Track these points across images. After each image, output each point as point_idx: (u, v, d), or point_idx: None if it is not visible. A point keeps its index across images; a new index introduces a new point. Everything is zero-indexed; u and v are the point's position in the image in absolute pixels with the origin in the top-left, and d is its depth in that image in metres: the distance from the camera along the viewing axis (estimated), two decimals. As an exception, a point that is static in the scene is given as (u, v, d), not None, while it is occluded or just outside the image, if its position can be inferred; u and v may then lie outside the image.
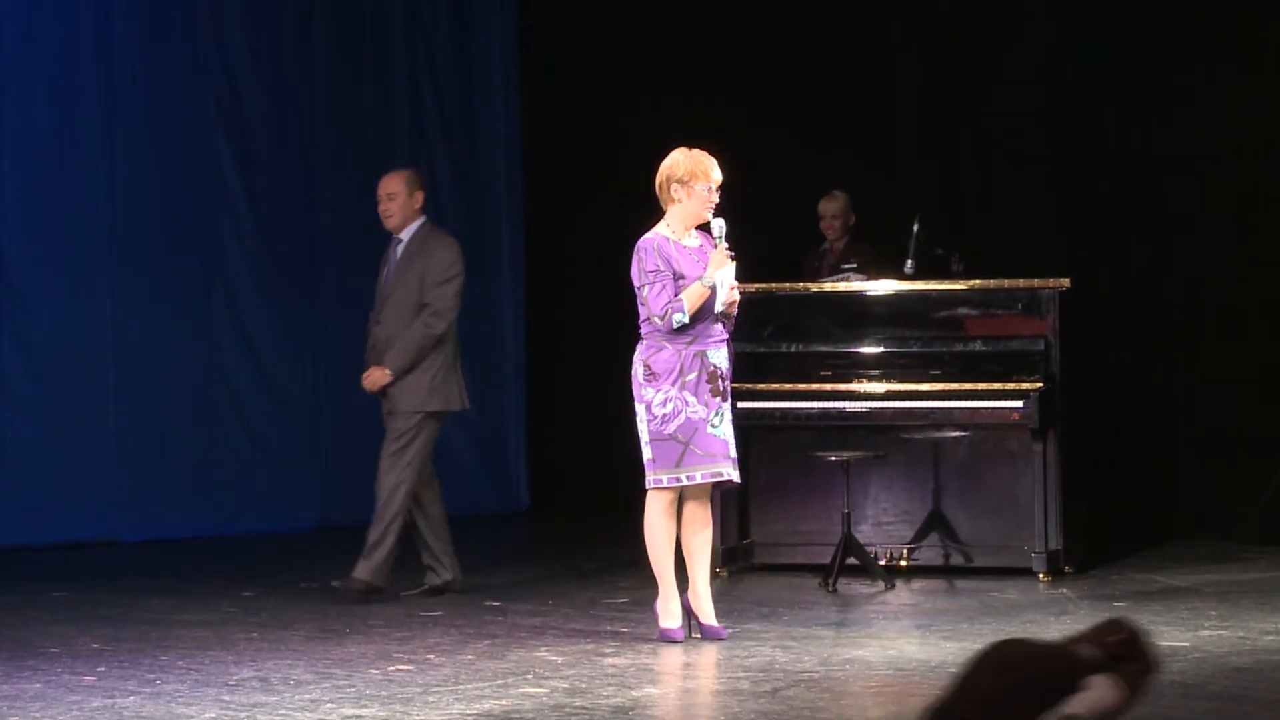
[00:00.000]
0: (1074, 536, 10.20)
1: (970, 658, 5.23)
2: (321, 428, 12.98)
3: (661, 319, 8.19)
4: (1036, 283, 10.16)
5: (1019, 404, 9.89)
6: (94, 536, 12.02)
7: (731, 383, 8.51)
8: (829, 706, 6.87)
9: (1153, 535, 11.42)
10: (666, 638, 8.28)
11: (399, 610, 9.27)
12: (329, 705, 6.97)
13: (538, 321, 14.13)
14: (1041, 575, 9.94)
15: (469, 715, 6.78)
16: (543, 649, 8.11)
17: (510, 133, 14.14)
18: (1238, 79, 11.58)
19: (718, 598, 8.50)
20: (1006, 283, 10.24)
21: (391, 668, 7.72)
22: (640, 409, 8.24)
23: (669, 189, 8.30)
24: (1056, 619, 8.72)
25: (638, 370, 8.27)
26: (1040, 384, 9.95)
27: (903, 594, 9.71)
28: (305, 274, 13.09)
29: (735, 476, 8.32)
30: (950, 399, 10.04)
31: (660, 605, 8.35)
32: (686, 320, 8.18)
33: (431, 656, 7.98)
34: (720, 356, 8.29)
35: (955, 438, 10.28)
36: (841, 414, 10.20)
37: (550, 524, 13.61)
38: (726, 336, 8.35)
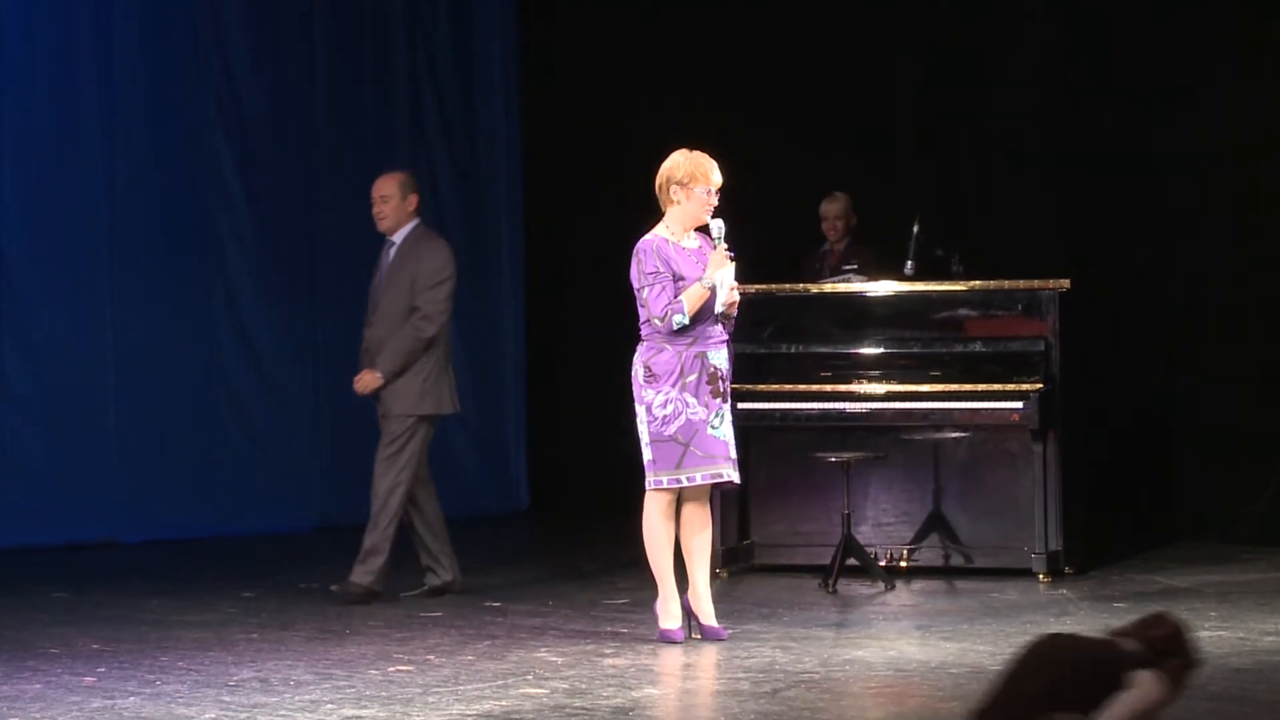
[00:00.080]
0: (1074, 537, 10.20)
1: (1015, 653, 5.22)
2: (321, 428, 12.97)
3: (661, 320, 8.19)
4: (1036, 283, 10.16)
5: (1019, 405, 9.89)
6: (94, 537, 12.01)
7: (732, 384, 8.51)
8: (829, 707, 6.87)
9: (1153, 536, 11.42)
10: (666, 638, 8.28)
11: (399, 611, 9.27)
12: (329, 706, 6.97)
13: (538, 321, 14.13)
14: (1041, 576, 9.94)
15: (469, 716, 6.79)
16: (543, 650, 8.11)
17: (510, 133, 14.14)
18: (1238, 79, 11.58)
19: (718, 598, 8.50)
20: (1006, 283, 10.24)
21: (391, 668, 7.72)
22: (640, 410, 8.24)
23: (668, 190, 8.30)
24: (1056, 620, 8.72)
25: (638, 371, 8.27)
26: (1040, 385, 9.94)
27: (903, 595, 9.71)
28: (305, 274, 13.09)
29: (735, 477, 8.32)
30: (950, 400, 10.04)
31: (660, 606, 8.35)
32: (686, 321, 8.18)
33: (431, 657, 7.98)
34: (720, 357, 8.29)
35: (955, 439, 10.28)
36: (841, 415, 10.20)
37: (550, 524, 13.61)
38: (726, 337, 8.35)
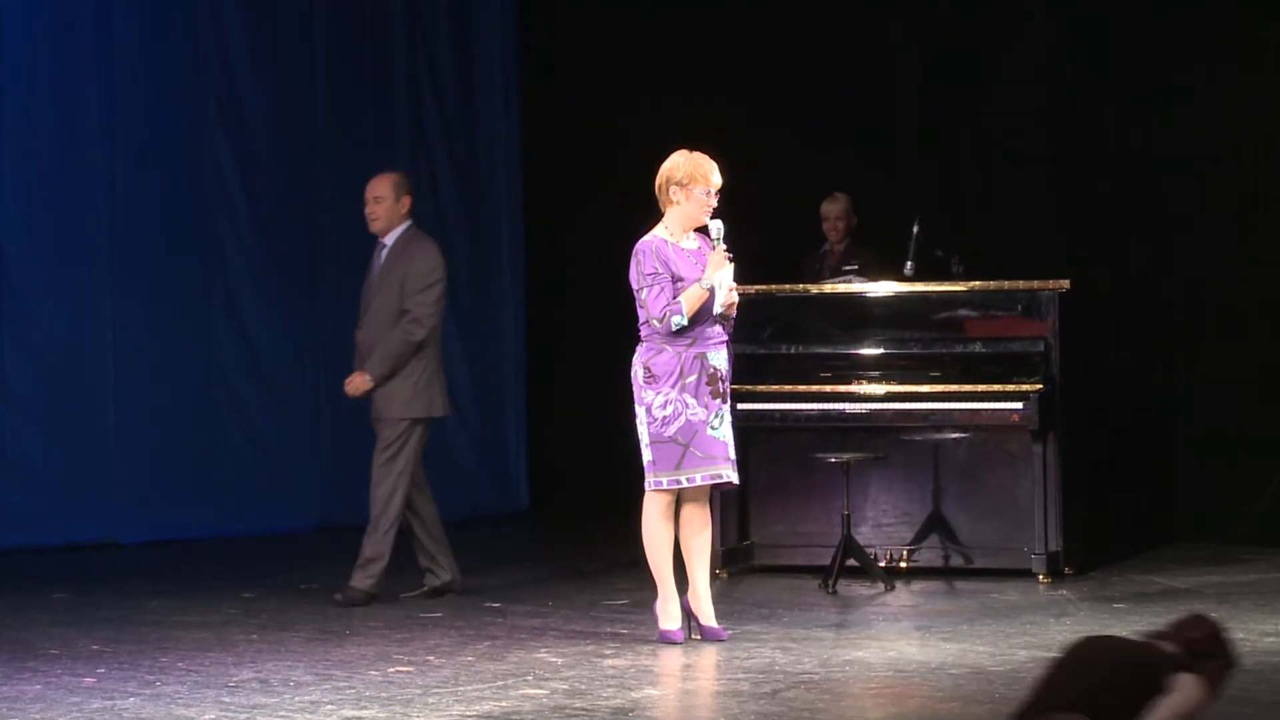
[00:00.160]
0: (1074, 538, 10.20)
1: (1055, 656, 5.20)
2: (321, 428, 12.97)
3: (660, 321, 8.19)
4: (1036, 284, 10.16)
5: (1019, 405, 9.89)
6: (94, 537, 12.01)
7: (731, 384, 8.51)
8: (829, 708, 6.87)
9: (1153, 536, 11.42)
10: (666, 639, 8.28)
11: (399, 612, 9.27)
12: (329, 707, 6.97)
13: (538, 321, 14.13)
14: (1041, 577, 9.94)
15: (469, 716, 6.79)
16: (542, 650, 8.11)
17: (510, 133, 14.14)
18: (1238, 79, 11.58)
19: (717, 599, 8.50)
20: (1006, 284, 10.24)
21: (391, 669, 7.73)
22: (640, 411, 8.24)
23: (668, 191, 8.30)
24: (1056, 620, 8.72)
25: (637, 372, 8.27)
26: (1040, 385, 9.94)
27: (902, 595, 9.71)
28: (305, 274, 13.09)
29: (734, 478, 8.32)
30: (950, 400, 10.04)
31: (660, 607, 8.35)
32: (685, 322, 8.18)
33: (431, 658, 7.98)
34: (720, 358, 8.29)
35: (955, 439, 10.28)
36: (841, 415, 10.20)
37: (550, 524, 13.61)
38: (726, 338, 8.36)
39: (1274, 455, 11.26)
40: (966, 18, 12.68)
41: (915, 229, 10.62)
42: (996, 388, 9.99)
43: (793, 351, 10.44)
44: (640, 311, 8.27)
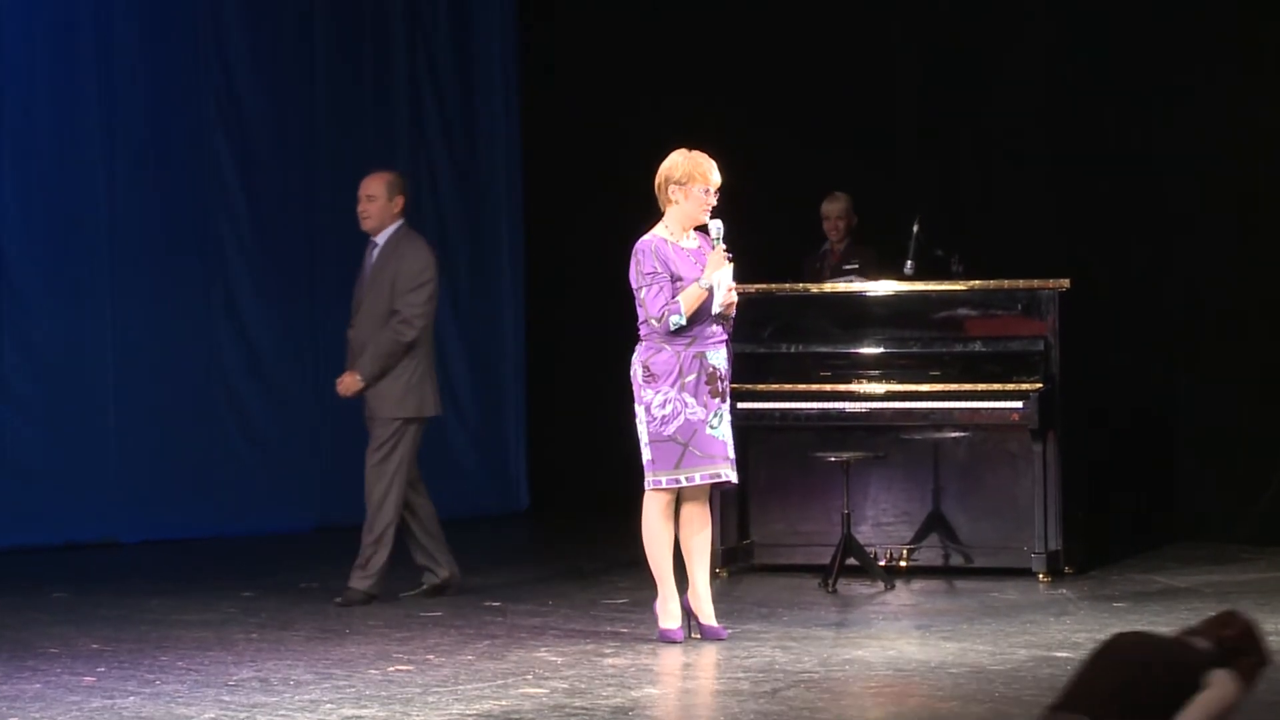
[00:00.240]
0: (1074, 537, 10.20)
1: (1089, 653, 5.17)
2: (321, 428, 12.97)
3: (658, 321, 8.19)
4: (1036, 283, 10.16)
5: (1019, 405, 9.89)
6: (94, 537, 12.02)
7: (731, 383, 8.51)
8: (829, 707, 6.87)
9: (1153, 536, 11.42)
10: (666, 638, 8.28)
11: (398, 611, 9.27)
12: (329, 706, 6.97)
13: (538, 321, 14.13)
14: (1041, 576, 9.94)
15: (468, 716, 6.79)
16: (542, 649, 8.11)
17: (510, 133, 14.14)
18: (1238, 79, 11.58)
19: (717, 598, 8.50)
20: (1006, 283, 10.24)
21: (391, 668, 7.73)
22: (639, 410, 8.24)
23: (667, 190, 8.30)
24: (1056, 620, 8.72)
25: (637, 372, 8.27)
26: (1040, 385, 9.94)
27: (902, 595, 9.71)
28: (305, 274, 13.08)
29: (733, 478, 8.32)
30: (950, 400, 10.04)
31: (660, 606, 8.35)
32: (683, 322, 8.18)
33: (431, 657, 7.98)
34: (719, 357, 8.29)
35: (955, 438, 10.28)
36: (841, 415, 10.20)
37: (550, 524, 13.61)
38: (725, 337, 8.35)
39: (1274, 455, 11.26)
40: (966, 18, 12.68)
41: (915, 229, 10.62)
42: (996, 387, 9.99)
43: (793, 351, 10.45)
44: (639, 311, 8.28)
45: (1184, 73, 11.76)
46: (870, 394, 10.18)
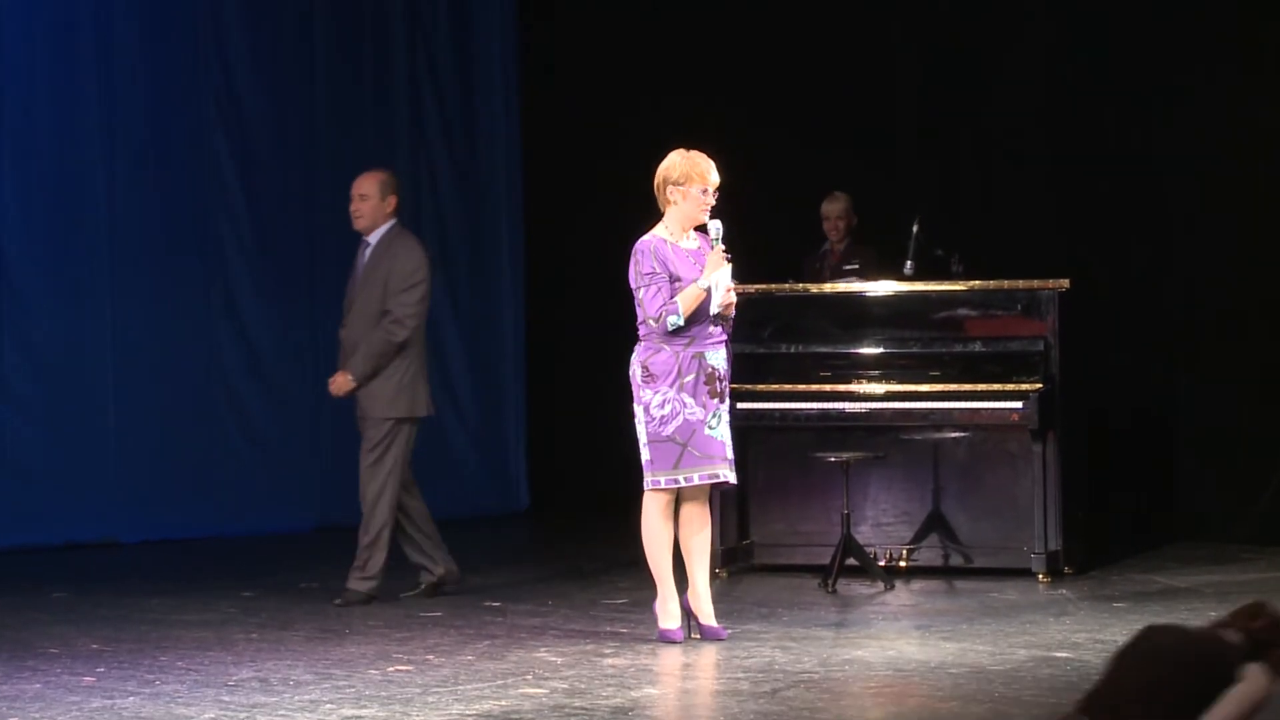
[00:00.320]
0: (1074, 537, 10.20)
1: (1119, 648, 5.14)
2: (321, 428, 12.97)
3: (656, 321, 8.19)
4: (1036, 283, 10.16)
5: (1019, 405, 9.89)
6: (94, 537, 12.02)
7: (731, 383, 8.51)
8: (828, 707, 6.87)
9: (1153, 536, 11.42)
10: (666, 638, 8.28)
11: (398, 611, 9.27)
12: (328, 706, 6.97)
13: (538, 321, 14.13)
14: (1041, 576, 9.94)
15: (468, 716, 6.79)
16: (542, 649, 8.11)
17: (510, 133, 14.14)
18: (1238, 79, 11.58)
19: (717, 598, 8.50)
20: (1006, 283, 10.24)
21: (391, 668, 7.73)
22: (638, 410, 8.24)
23: (665, 191, 8.30)
24: (1056, 620, 8.72)
25: (636, 372, 8.27)
26: (1040, 385, 9.94)
27: (902, 595, 9.71)
28: (305, 274, 13.08)
29: (731, 478, 8.32)
30: (950, 400, 10.04)
31: (659, 606, 8.35)
32: (681, 322, 8.17)
33: (431, 657, 7.98)
34: (718, 358, 8.29)
35: (955, 438, 10.27)
36: (841, 415, 10.20)
37: (550, 524, 13.61)
38: (725, 338, 8.35)
39: (1274, 455, 11.26)
40: (966, 18, 12.68)
41: (915, 229, 10.62)
42: (996, 387, 9.99)
43: (792, 351, 10.44)
44: (638, 311, 8.28)
45: (1184, 73, 11.76)
46: (870, 394, 10.18)
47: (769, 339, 10.51)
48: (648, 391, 8.21)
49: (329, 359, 12.81)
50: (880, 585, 9.81)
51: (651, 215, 8.40)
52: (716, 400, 8.24)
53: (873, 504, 10.38)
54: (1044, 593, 9.66)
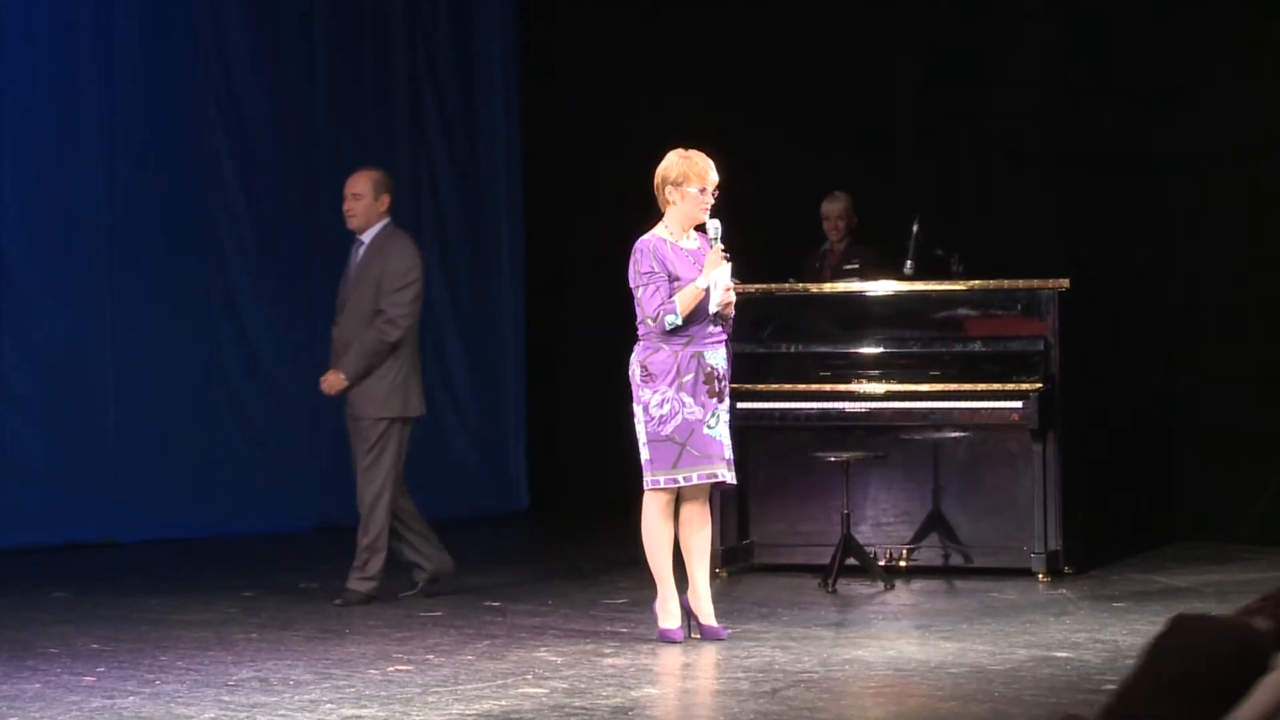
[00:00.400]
0: (1073, 537, 10.20)
1: (1152, 640, 5.12)
2: (321, 428, 12.96)
3: (654, 321, 8.19)
4: (1036, 283, 10.16)
5: (1019, 404, 9.89)
6: (94, 537, 12.02)
7: (731, 383, 8.51)
8: (828, 707, 6.86)
9: (1153, 536, 11.42)
10: (666, 638, 8.28)
11: (398, 611, 9.27)
12: (328, 705, 6.97)
13: (538, 321, 14.13)
14: (1041, 576, 9.94)
15: (468, 715, 6.79)
16: (542, 649, 8.11)
17: (510, 133, 14.14)
18: (1238, 79, 11.58)
19: (717, 598, 8.50)
20: (1006, 283, 10.24)
21: (391, 668, 7.72)
22: (638, 410, 8.24)
23: (664, 191, 8.30)
24: (1056, 620, 8.72)
25: (635, 371, 8.27)
26: (1040, 384, 9.94)
27: (902, 594, 9.71)
28: (304, 274, 13.08)
29: (729, 479, 8.31)
30: (950, 399, 10.04)
31: (659, 606, 8.35)
32: (679, 322, 8.17)
33: (431, 657, 7.98)
34: (717, 357, 8.28)
35: (955, 438, 10.28)
36: (841, 414, 10.20)
37: (550, 524, 13.61)
38: (725, 337, 8.34)
39: (1274, 455, 11.26)
40: (966, 18, 12.68)
41: (915, 228, 10.62)
42: (996, 387, 9.99)
43: (792, 350, 10.45)
44: (637, 310, 8.28)
45: (1184, 73, 11.76)
46: (870, 394, 10.18)
47: (769, 339, 10.51)
48: (647, 391, 8.21)
49: (328, 359, 12.84)
50: (880, 585, 9.81)
51: (651, 215, 8.40)
52: (715, 400, 8.23)
53: (873, 504, 10.38)
54: (1044, 593, 9.66)
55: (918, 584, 10.00)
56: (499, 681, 7.40)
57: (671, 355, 8.20)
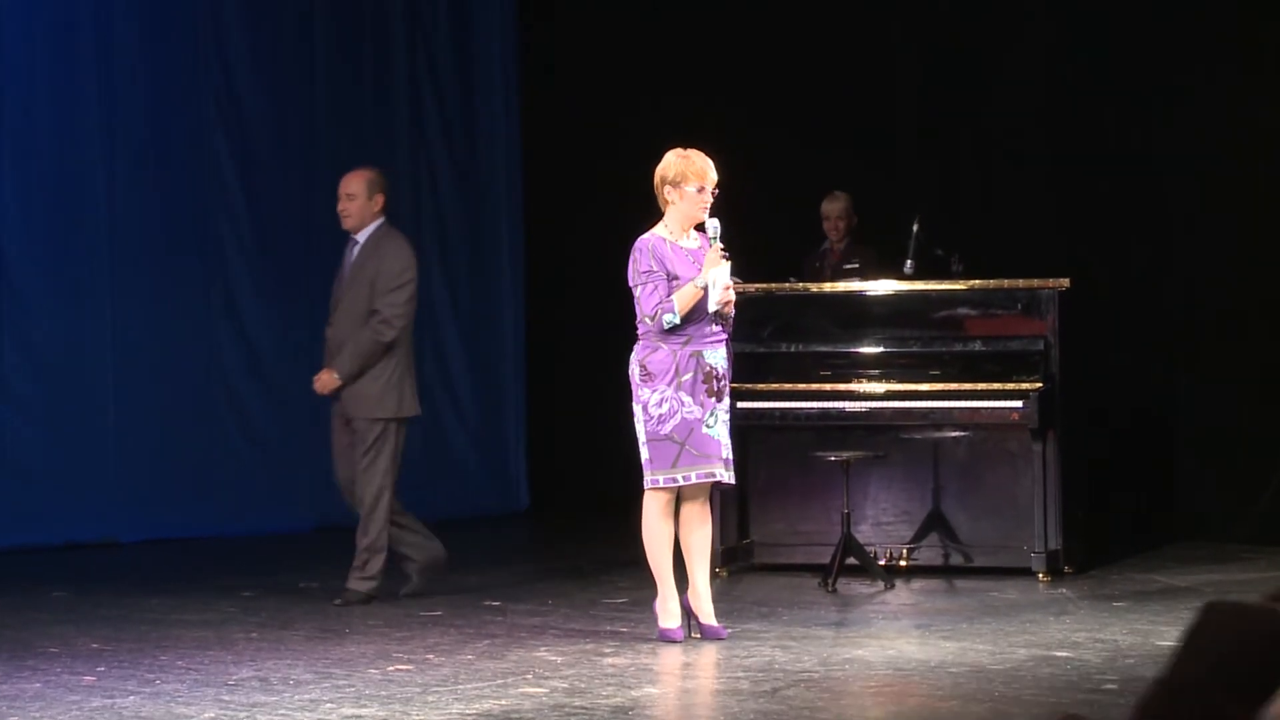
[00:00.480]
0: (1073, 536, 10.20)
1: (1185, 630, 5.11)
2: (321, 428, 12.87)
3: (652, 320, 8.19)
4: (1036, 283, 10.16)
5: (1019, 404, 9.89)
6: (94, 537, 12.01)
7: (731, 383, 8.50)
8: (828, 706, 6.86)
9: (1153, 536, 11.42)
10: (666, 638, 8.28)
11: (398, 611, 9.26)
12: (328, 705, 6.97)
13: (538, 321, 14.13)
14: (1041, 575, 9.94)
15: (468, 715, 6.78)
16: (542, 649, 8.10)
17: (510, 133, 14.14)
18: (1238, 79, 11.58)
19: (717, 598, 8.50)
20: (1006, 283, 10.24)
21: (391, 668, 7.72)
22: (637, 409, 8.24)
23: (663, 191, 8.30)
24: (1056, 619, 8.72)
25: (634, 371, 8.27)
26: (1040, 384, 9.94)
27: (902, 594, 9.71)
28: (304, 274, 13.07)
29: (728, 478, 8.31)
30: (950, 399, 10.04)
31: (659, 605, 8.35)
32: (677, 321, 8.17)
33: (431, 656, 7.97)
34: (717, 357, 8.28)
35: (955, 438, 10.28)
36: (841, 414, 10.20)
37: (550, 524, 13.61)
38: (725, 337, 8.34)
39: (1274, 455, 11.26)
40: (966, 18, 12.68)
41: (915, 228, 10.62)
42: (996, 386, 9.99)
43: (792, 350, 10.45)
44: (637, 309, 8.28)
45: (1184, 73, 11.76)
46: (870, 393, 10.18)
47: (769, 338, 10.51)
48: (646, 390, 8.21)
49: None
50: (880, 584, 9.81)
51: (651, 215, 8.39)
52: (714, 399, 8.23)
53: (873, 503, 10.38)
54: (1044, 592, 9.66)
55: (918, 583, 10.00)
56: (499, 681, 7.40)
57: (670, 354, 8.20)
